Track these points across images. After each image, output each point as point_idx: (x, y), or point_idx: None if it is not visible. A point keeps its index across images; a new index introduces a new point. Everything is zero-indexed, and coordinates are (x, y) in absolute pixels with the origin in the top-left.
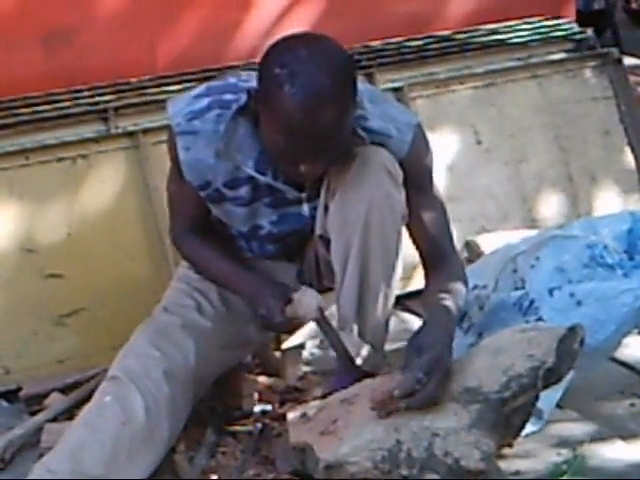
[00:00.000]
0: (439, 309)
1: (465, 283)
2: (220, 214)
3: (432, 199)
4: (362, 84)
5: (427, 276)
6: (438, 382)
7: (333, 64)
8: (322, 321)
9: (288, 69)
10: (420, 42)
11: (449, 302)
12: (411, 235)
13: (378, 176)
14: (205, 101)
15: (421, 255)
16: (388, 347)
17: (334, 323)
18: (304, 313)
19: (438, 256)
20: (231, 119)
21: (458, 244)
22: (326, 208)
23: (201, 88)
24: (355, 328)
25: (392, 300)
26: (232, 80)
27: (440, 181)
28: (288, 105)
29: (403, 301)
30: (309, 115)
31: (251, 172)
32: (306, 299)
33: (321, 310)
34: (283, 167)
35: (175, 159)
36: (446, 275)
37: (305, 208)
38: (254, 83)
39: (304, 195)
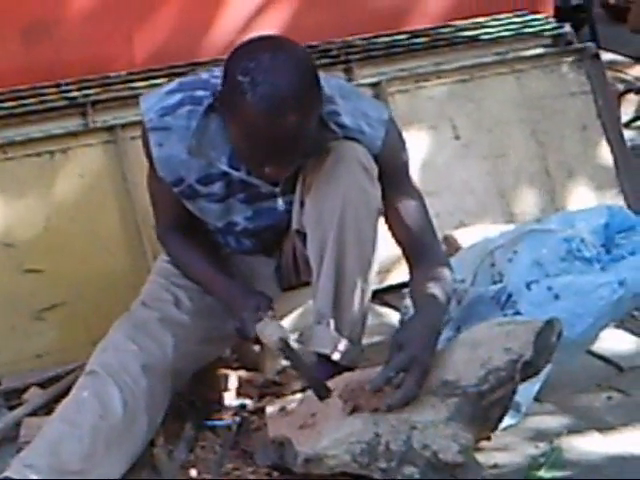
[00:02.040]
0: (426, 301)
1: (450, 269)
2: (195, 210)
3: (410, 192)
4: (334, 79)
5: (411, 270)
6: (416, 380)
7: (296, 72)
8: (287, 351)
9: (250, 77)
10: (399, 37)
11: (436, 291)
12: (391, 230)
13: (353, 171)
14: (177, 97)
15: (403, 249)
16: (366, 341)
17: (311, 318)
18: (267, 343)
19: (421, 248)
20: (203, 115)
21: None
22: (302, 203)
23: (173, 84)
24: (332, 322)
25: (369, 294)
26: (204, 76)
27: (418, 176)
28: (250, 114)
29: (381, 295)
30: (271, 124)
31: (225, 168)
32: (268, 331)
33: (284, 341)
34: (249, 167)
35: (149, 155)
36: (430, 265)
37: (280, 202)
38: None
39: (278, 189)
